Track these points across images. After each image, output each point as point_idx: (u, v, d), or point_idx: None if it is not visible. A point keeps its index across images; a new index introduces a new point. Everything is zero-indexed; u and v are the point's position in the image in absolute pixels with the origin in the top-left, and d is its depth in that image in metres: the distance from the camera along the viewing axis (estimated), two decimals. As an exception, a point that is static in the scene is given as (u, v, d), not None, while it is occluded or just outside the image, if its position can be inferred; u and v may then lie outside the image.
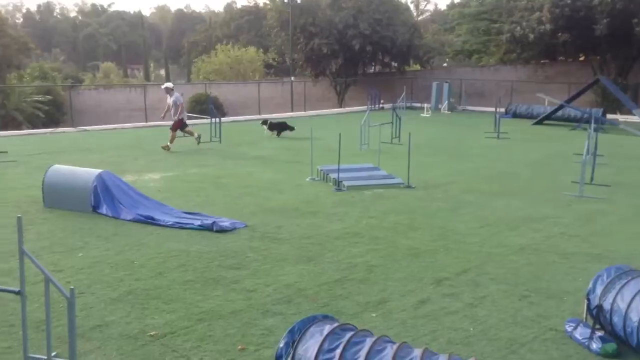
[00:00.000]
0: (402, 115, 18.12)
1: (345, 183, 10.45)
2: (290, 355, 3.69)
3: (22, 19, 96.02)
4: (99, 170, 8.79)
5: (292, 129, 18.24)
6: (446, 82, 29.28)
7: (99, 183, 8.51)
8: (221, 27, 66.89)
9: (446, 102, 28.46)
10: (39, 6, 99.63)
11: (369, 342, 3.64)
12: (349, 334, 3.72)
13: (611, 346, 4.46)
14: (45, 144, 16.75)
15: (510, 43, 29.81)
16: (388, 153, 13.77)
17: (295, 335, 3.76)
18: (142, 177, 11.33)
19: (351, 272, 6.21)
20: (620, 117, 23.26)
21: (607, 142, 15.42)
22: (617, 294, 4.53)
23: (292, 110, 30.09)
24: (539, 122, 22.55)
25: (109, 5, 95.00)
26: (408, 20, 36.93)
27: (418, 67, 39.89)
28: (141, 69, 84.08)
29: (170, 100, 15.28)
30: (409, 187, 10.58)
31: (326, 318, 4.04)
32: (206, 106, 21.37)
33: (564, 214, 8.84)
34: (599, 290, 4.70)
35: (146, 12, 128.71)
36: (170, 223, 7.91)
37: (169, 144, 14.95)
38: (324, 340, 3.64)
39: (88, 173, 8.79)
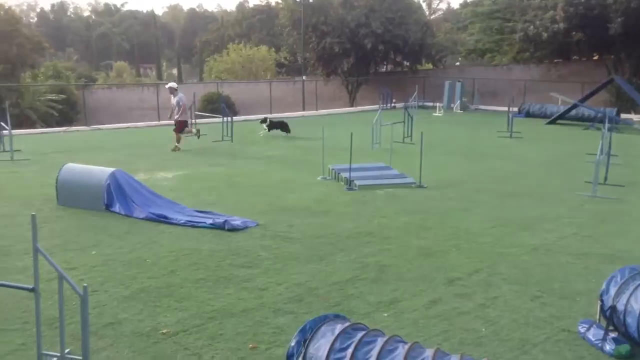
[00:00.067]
0: (414, 115, 18.06)
1: (357, 182, 10.44)
2: (302, 354, 3.69)
3: (36, 19, 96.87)
4: (112, 169, 8.85)
5: (289, 131, 18.16)
6: (459, 81, 29.17)
7: (112, 181, 8.57)
8: (233, 26, 67.02)
9: (458, 101, 28.34)
10: (52, 5, 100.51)
11: (380, 341, 3.64)
12: (360, 334, 3.71)
13: (625, 347, 4.42)
14: (59, 142, 16.89)
15: (524, 42, 29.61)
16: (400, 152, 13.74)
17: (307, 334, 3.77)
18: (154, 176, 11.39)
19: (363, 271, 6.20)
20: (634, 117, 23.04)
21: (621, 142, 15.28)
22: (630, 295, 4.49)
23: (303, 110, 30.11)
24: (552, 122, 22.39)
25: (122, 5, 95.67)
26: (420, 19, 36.87)
27: (430, 66, 39.80)
28: (154, 68, 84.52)
29: (173, 100, 15.21)
30: (420, 186, 10.55)
31: (337, 317, 4.04)
32: (218, 105, 21.39)
33: (578, 214, 8.77)
34: (612, 291, 4.66)
35: (159, 12, 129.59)
36: (182, 221, 7.95)
37: (176, 144, 14.97)
38: (335, 340, 3.64)
39: (101, 171, 8.85)
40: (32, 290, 3.75)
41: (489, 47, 35.20)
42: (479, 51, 36.45)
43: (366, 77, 35.66)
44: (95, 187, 8.59)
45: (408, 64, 37.74)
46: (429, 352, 3.56)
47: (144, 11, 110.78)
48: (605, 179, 10.72)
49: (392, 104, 28.92)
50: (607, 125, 11.49)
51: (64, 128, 22.04)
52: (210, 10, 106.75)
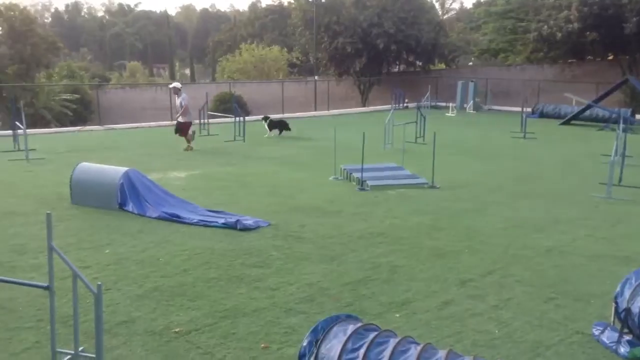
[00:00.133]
0: (427, 115, 18.01)
1: (369, 182, 10.43)
2: (314, 355, 3.69)
3: (50, 19, 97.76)
4: (125, 168, 8.90)
5: (289, 129, 18.23)
6: (472, 81, 29.04)
7: (126, 181, 8.62)
8: (246, 26, 67.25)
9: (471, 101, 28.22)
10: (67, 6, 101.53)
11: (392, 342, 3.63)
12: (372, 334, 3.71)
13: (639, 350, 4.38)
14: (73, 142, 17.02)
15: (537, 42, 29.40)
16: (412, 153, 13.71)
17: (319, 335, 3.76)
18: (167, 175, 11.45)
19: (375, 272, 6.19)
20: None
21: (636, 142, 15.10)
22: (646, 297, 4.45)
23: (315, 110, 30.10)
24: (567, 122, 22.22)
25: (136, 5, 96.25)
26: (433, 18, 36.70)
27: (443, 66, 39.62)
28: (167, 68, 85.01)
29: (177, 100, 15.19)
30: (433, 187, 10.51)
31: (349, 318, 4.03)
32: (230, 105, 21.48)
33: (592, 216, 8.70)
34: (627, 293, 4.62)
35: (172, 12, 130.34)
36: (194, 221, 7.98)
37: (189, 144, 15.02)
38: (347, 340, 3.64)
39: (115, 171, 8.90)
40: (46, 288, 3.78)
41: (502, 47, 35.01)
42: (492, 51, 36.27)
43: (378, 77, 35.58)
44: (109, 186, 8.65)
45: (421, 64, 37.61)
46: (442, 354, 3.54)
47: (157, 11, 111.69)
48: (620, 180, 10.62)
49: (405, 104, 28.85)
50: (621, 125, 11.37)
51: (78, 127, 22.20)
52: (223, 10, 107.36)
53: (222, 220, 7.91)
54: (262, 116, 19.49)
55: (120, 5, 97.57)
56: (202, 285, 5.77)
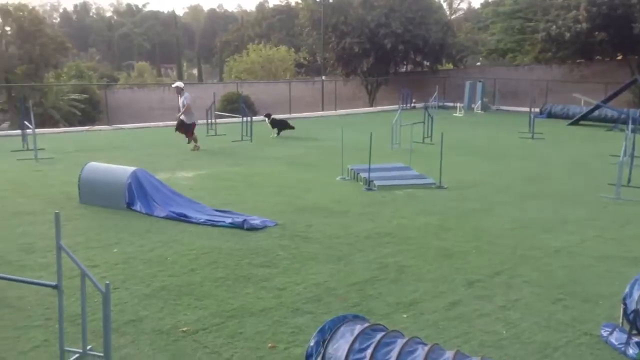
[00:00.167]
0: (434, 115, 17.97)
1: (376, 182, 10.42)
2: (321, 355, 3.69)
3: (59, 19, 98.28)
4: (133, 168, 8.93)
5: (292, 127, 18.27)
6: (479, 81, 28.95)
7: (134, 180, 8.65)
8: (253, 27, 67.34)
9: (479, 101, 28.14)
10: (75, 6, 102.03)
11: (400, 343, 3.62)
12: (379, 335, 3.70)
13: (649, 352, 4.35)
14: (81, 141, 17.10)
15: (546, 42, 29.25)
16: (420, 153, 13.69)
17: (326, 335, 3.76)
18: (174, 175, 11.48)
19: (382, 272, 6.18)
20: (659, 118, 22.67)
21: (645, 143, 15.03)
22: (655, 299, 4.43)
23: (322, 110, 30.10)
24: (575, 123, 22.11)
25: (144, 5, 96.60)
26: (441, 18, 36.63)
27: (450, 66, 39.53)
28: (174, 69, 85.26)
29: (180, 100, 15.19)
30: (440, 187, 10.49)
31: (357, 318, 4.03)
32: (238, 105, 21.51)
33: (600, 216, 8.66)
34: (636, 294, 4.59)
35: (179, 12, 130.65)
36: (202, 220, 8.00)
37: (195, 144, 15.04)
38: (354, 340, 3.63)
39: (123, 170, 8.94)
40: (55, 287, 3.79)
41: (510, 47, 34.84)
42: (500, 51, 36.10)
43: (386, 77, 35.54)
44: (117, 185, 8.68)
45: (428, 64, 37.53)
46: (449, 354, 3.53)
47: (165, 12, 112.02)
48: (629, 180, 10.56)
49: (412, 104, 28.80)
50: (630, 126, 11.30)
51: (86, 127, 22.30)
52: (230, 10, 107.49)
53: (230, 220, 7.92)
54: (264, 114, 19.50)
55: (129, 5, 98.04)
56: (210, 284, 5.78)
